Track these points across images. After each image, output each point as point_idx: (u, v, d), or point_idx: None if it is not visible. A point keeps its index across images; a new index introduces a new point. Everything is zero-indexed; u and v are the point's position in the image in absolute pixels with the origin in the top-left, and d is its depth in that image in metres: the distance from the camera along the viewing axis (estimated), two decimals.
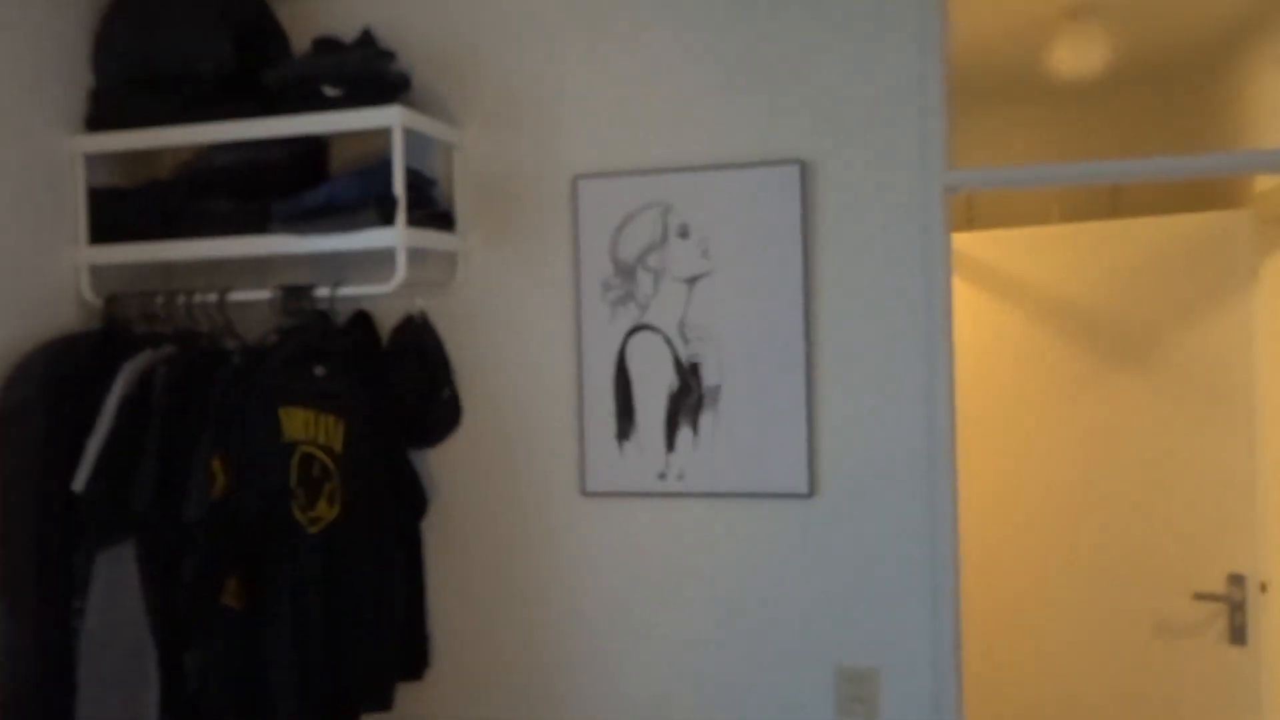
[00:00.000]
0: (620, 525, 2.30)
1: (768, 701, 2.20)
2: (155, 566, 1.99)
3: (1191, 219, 3.22)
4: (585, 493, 2.31)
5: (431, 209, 2.27)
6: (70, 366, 2.10)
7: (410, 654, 2.32)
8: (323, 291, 2.20)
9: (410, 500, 2.35)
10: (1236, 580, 3.07)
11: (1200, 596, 3.12)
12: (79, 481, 1.99)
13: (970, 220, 3.81)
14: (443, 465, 2.40)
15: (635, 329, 2.29)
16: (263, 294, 2.22)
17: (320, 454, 2.11)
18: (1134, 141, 3.75)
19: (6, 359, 2.11)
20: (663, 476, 2.26)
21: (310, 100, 2.18)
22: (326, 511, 2.11)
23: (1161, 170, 2.48)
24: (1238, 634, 3.06)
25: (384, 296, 2.24)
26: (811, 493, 2.19)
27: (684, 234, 2.25)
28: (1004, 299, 3.45)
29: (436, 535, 2.40)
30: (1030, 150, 3.85)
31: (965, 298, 3.27)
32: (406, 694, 2.38)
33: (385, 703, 2.19)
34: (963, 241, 3.46)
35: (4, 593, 2.01)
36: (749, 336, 2.22)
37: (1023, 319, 3.40)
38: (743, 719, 2.21)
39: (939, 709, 2.12)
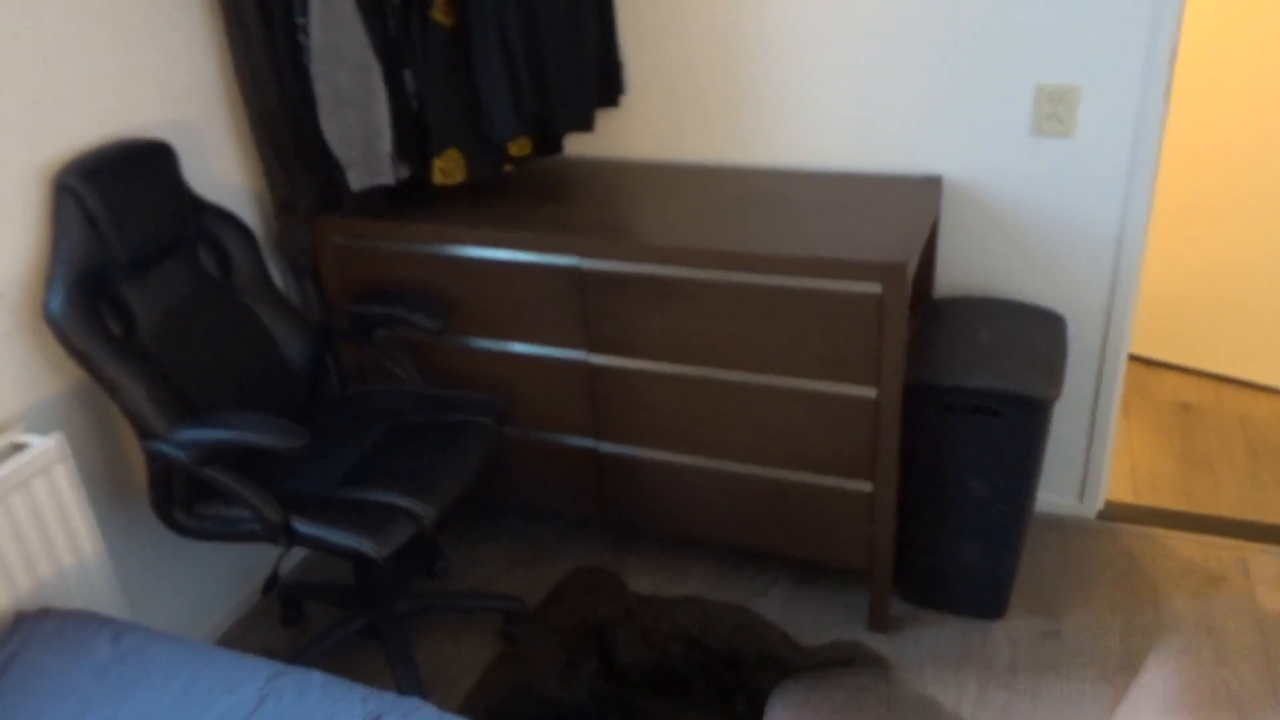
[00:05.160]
0: None
1: (964, 122, 2.22)
2: None
3: None
4: None
5: None
6: None
7: (605, 81, 2.41)
8: None
9: None
10: None
11: None
12: None
13: None
14: None
15: None
16: None
17: None
18: None
19: None
20: None
21: None
22: None
23: None
24: None
25: None
26: None
27: None
28: None
29: None
30: None
31: None
32: (605, 120, 2.53)
33: (586, 124, 2.32)
34: None
35: (230, 18, 2.15)
36: None
37: None
38: (939, 139, 2.25)
39: (1140, 129, 2.09)
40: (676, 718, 1.99)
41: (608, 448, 2.29)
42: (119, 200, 1.86)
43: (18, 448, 1.79)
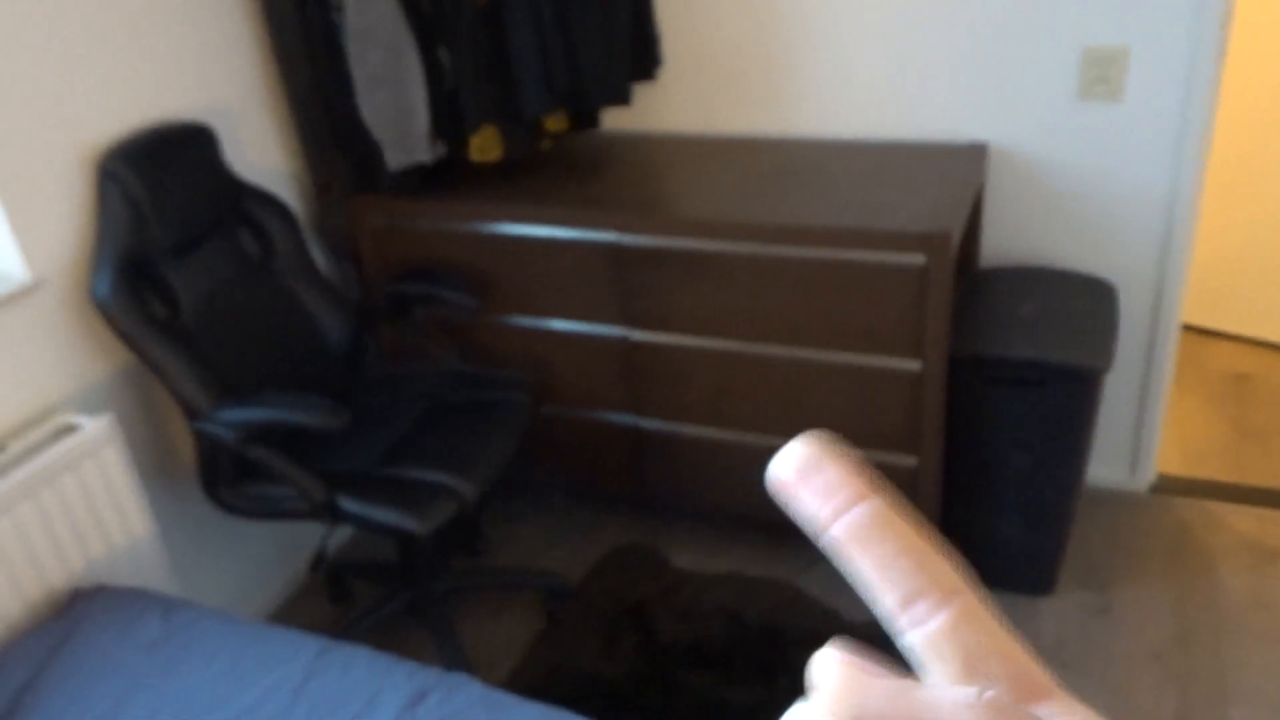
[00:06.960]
0: None
1: (1009, 87, 2.16)
2: None
3: None
4: None
5: None
6: None
7: (641, 55, 2.38)
8: None
9: None
10: None
11: None
12: None
13: None
14: None
15: None
16: None
17: None
18: None
19: None
20: None
21: None
22: None
23: None
24: None
25: None
26: None
27: None
28: None
29: None
30: None
31: None
32: (642, 94, 2.50)
33: (622, 98, 2.30)
34: None
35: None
36: None
37: None
38: (983, 105, 2.20)
39: (1191, 92, 2.03)
40: (717, 694, 1.99)
41: (647, 424, 2.28)
42: (160, 183, 1.88)
43: (68, 429, 1.82)
